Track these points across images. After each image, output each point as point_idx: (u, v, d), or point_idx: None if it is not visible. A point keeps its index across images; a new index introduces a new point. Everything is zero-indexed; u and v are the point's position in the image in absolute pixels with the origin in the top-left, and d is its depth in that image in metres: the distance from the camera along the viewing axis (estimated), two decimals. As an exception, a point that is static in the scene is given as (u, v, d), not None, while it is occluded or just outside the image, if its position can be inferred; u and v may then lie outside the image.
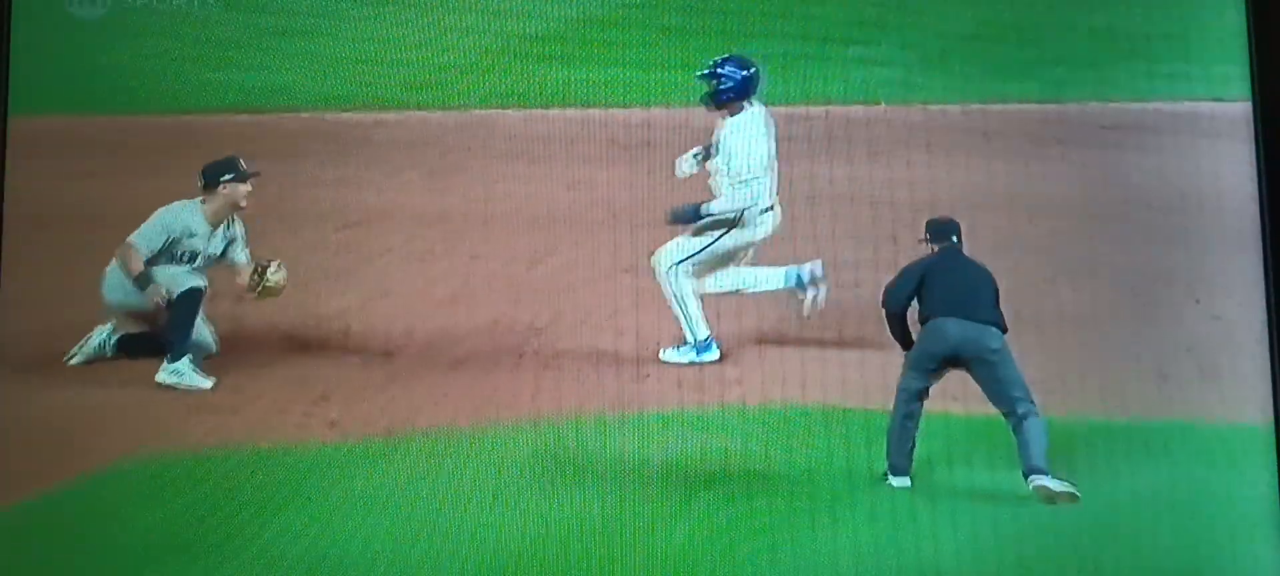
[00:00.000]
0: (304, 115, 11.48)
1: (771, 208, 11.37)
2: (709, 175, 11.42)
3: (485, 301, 11.34)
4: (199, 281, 11.08)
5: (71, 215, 11.06)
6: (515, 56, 11.60)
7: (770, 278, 11.32)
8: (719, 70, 11.39)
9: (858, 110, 11.58)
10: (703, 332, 11.27)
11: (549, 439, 10.89)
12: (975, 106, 11.56)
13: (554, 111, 11.45)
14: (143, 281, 11.02)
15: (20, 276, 10.88)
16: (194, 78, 11.23)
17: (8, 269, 10.72)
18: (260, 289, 11.14)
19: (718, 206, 11.29)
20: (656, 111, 11.50)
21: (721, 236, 11.33)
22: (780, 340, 11.20)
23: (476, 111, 11.50)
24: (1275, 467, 10.46)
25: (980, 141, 11.50)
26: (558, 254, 11.40)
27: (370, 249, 11.30)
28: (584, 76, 11.52)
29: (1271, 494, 10.37)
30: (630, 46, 11.59)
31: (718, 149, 11.42)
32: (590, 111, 11.46)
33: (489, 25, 11.58)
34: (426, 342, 11.15)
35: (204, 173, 11.16)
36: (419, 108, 11.53)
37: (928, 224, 10.88)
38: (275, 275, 11.14)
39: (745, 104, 11.44)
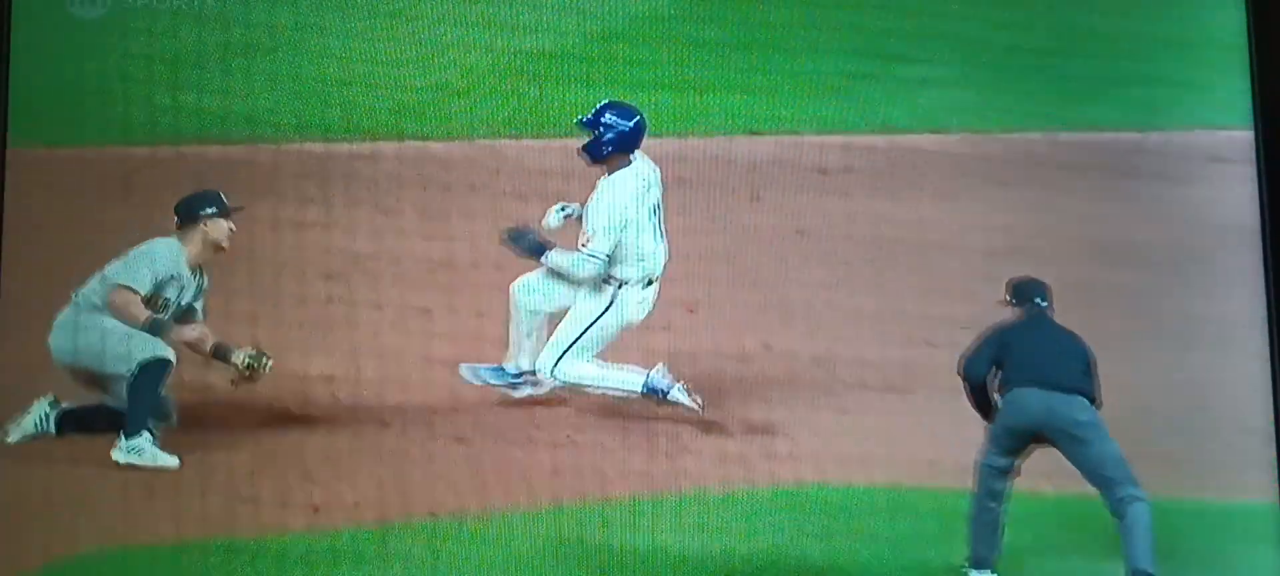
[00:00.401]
0: (278, 146, 9.97)
1: (652, 281, 9.69)
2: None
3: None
4: (169, 352, 9.40)
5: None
6: (524, 77, 10.16)
7: (626, 380, 9.69)
8: (601, 119, 9.74)
9: (927, 139, 9.98)
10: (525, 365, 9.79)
11: (571, 526, 9.51)
12: (1034, 134, 10.21)
13: (572, 141, 9.83)
14: (154, 328, 9.38)
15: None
16: (141, 104, 9.80)
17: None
18: (245, 379, 9.49)
19: (559, 260, 9.65)
20: (693, 142, 9.93)
21: (594, 322, 9.68)
22: (839, 409, 9.56)
23: (482, 141, 9.90)
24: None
25: (1054, 174, 9.90)
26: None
27: (360, 301, 9.73)
28: (599, 101, 9.87)
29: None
30: (659, 65, 10.04)
31: (590, 207, 9.84)
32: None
33: (493, 41, 10.10)
34: (426, 413, 9.57)
35: (179, 209, 9.56)
36: (415, 137, 9.91)
37: (1011, 286, 9.38)
38: (265, 368, 9.51)
39: (630, 158, 9.75)
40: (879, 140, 10.13)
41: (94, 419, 9.46)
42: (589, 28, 10.19)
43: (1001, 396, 9.35)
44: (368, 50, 10.07)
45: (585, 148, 9.78)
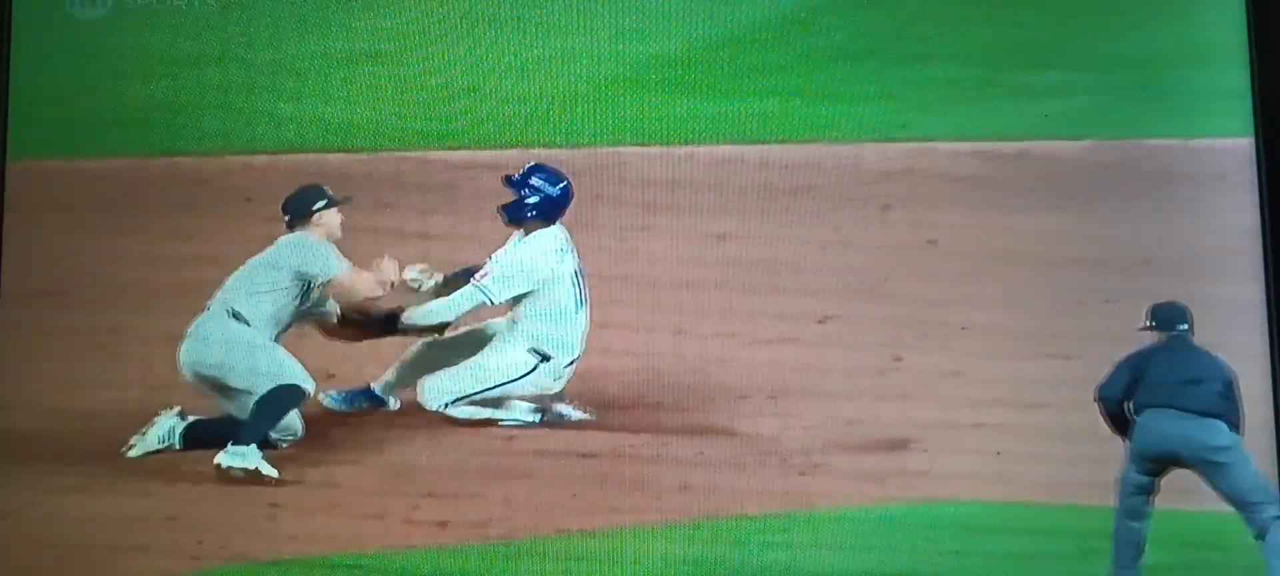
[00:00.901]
0: (385, 155, 9.81)
1: (572, 362, 9.55)
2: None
3: (619, 378, 9.60)
4: (308, 382, 9.27)
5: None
6: (646, 85, 9.87)
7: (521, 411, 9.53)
8: (528, 181, 9.55)
9: (1061, 147, 9.72)
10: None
11: (703, 545, 9.28)
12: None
13: (696, 149, 9.63)
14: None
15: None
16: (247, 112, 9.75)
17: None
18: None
19: (430, 308, 9.59)
20: (820, 149, 9.68)
21: (505, 386, 9.53)
22: (973, 424, 9.32)
23: (603, 149, 9.66)
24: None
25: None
26: (706, 320, 9.71)
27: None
28: (729, 108, 9.67)
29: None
30: (786, 71, 9.79)
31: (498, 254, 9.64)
32: (741, 149, 9.61)
33: (608, 48, 9.80)
34: (548, 428, 9.30)
35: (289, 206, 9.40)
36: (528, 145, 9.68)
37: (1152, 311, 9.10)
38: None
39: (549, 223, 9.64)
40: (1011, 147, 9.86)
41: (221, 433, 9.27)
42: (713, 33, 9.98)
43: (1137, 419, 9.07)
44: (492, 60, 9.86)
45: (505, 208, 9.58)
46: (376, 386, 9.55)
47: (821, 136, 9.88)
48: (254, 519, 9.18)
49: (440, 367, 9.47)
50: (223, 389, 9.33)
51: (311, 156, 9.76)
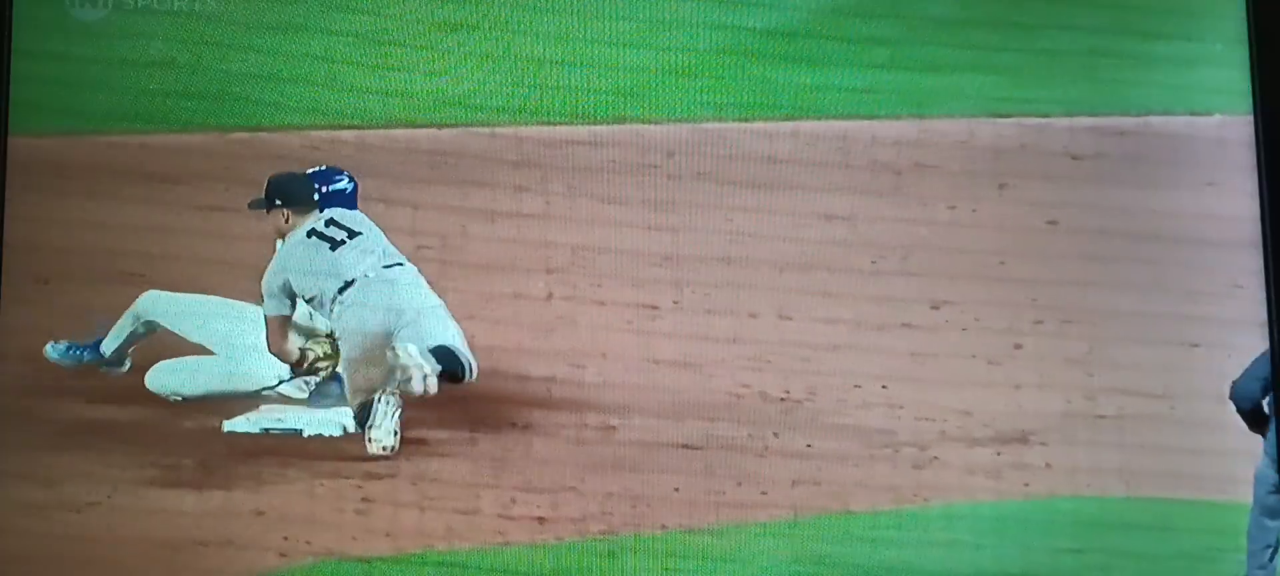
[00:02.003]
0: (492, 130, 9.37)
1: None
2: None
3: (723, 366, 9.19)
4: None
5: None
6: (750, 57, 9.50)
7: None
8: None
9: (1184, 122, 9.25)
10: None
11: (811, 541, 8.89)
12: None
13: (803, 125, 9.22)
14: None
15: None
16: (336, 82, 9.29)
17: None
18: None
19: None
20: (932, 124, 9.22)
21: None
22: (1095, 414, 8.88)
23: (709, 124, 9.22)
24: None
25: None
26: (815, 307, 9.27)
27: (581, 297, 9.02)
28: (839, 82, 9.28)
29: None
30: (895, 43, 9.33)
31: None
32: (850, 125, 9.16)
33: (717, 18, 9.40)
34: (652, 419, 8.86)
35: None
36: (632, 120, 9.25)
37: None
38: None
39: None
40: (1131, 122, 9.37)
41: None
42: (820, 3, 9.51)
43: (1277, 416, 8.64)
44: (588, 29, 9.41)
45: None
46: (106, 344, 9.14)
47: (932, 111, 9.42)
48: (343, 513, 8.81)
49: None
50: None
51: (400, 132, 9.32)
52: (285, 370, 9.19)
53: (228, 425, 8.94)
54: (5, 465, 8.80)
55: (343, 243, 9.08)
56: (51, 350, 9.11)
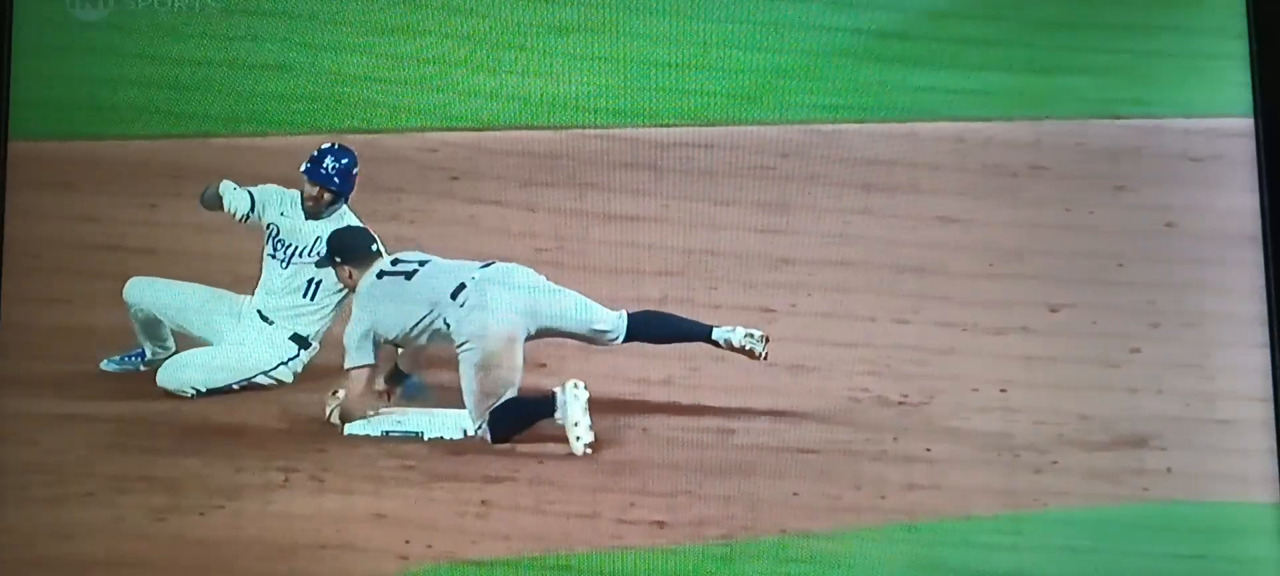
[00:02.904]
0: (589, 132, 9.40)
1: None
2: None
3: (840, 370, 9.18)
4: None
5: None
6: (863, 59, 9.46)
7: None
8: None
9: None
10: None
11: (926, 547, 8.83)
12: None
13: (918, 127, 9.18)
14: None
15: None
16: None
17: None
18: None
19: None
20: (1045, 125, 9.17)
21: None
22: (1217, 420, 8.83)
23: (823, 126, 9.19)
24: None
25: None
26: (932, 310, 9.25)
27: (697, 300, 9.01)
28: (953, 84, 9.21)
29: None
30: (1007, 44, 9.26)
31: None
32: (965, 127, 9.12)
33: (829, 20, 9.41)
34: (769, 422, 8.84)
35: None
36: (745, 122, 9.22)
37: None
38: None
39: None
40: (1244, 124, 9.29)
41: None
42: (931, 6, 9.46)
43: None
44: (701, 32, 9.39)
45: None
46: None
47: (1047, 112, 9.36)
48: (463, 517, 8.82)
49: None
50: None
51: (516, 134, 9.32)
52: (284, 353, 9.17)
53: (348, 428, 8.96)
54: (127, 470, 8.79)
55: (416, 271, 9.07)
56: (107, 363, 9.16)
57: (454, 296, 8.99)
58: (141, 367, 9.19)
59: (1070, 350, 9.06)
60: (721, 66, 9.42)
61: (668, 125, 9.43)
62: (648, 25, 9.45)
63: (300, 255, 9.19)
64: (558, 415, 8.84)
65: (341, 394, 8.95)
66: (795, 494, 8.84)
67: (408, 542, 8.72)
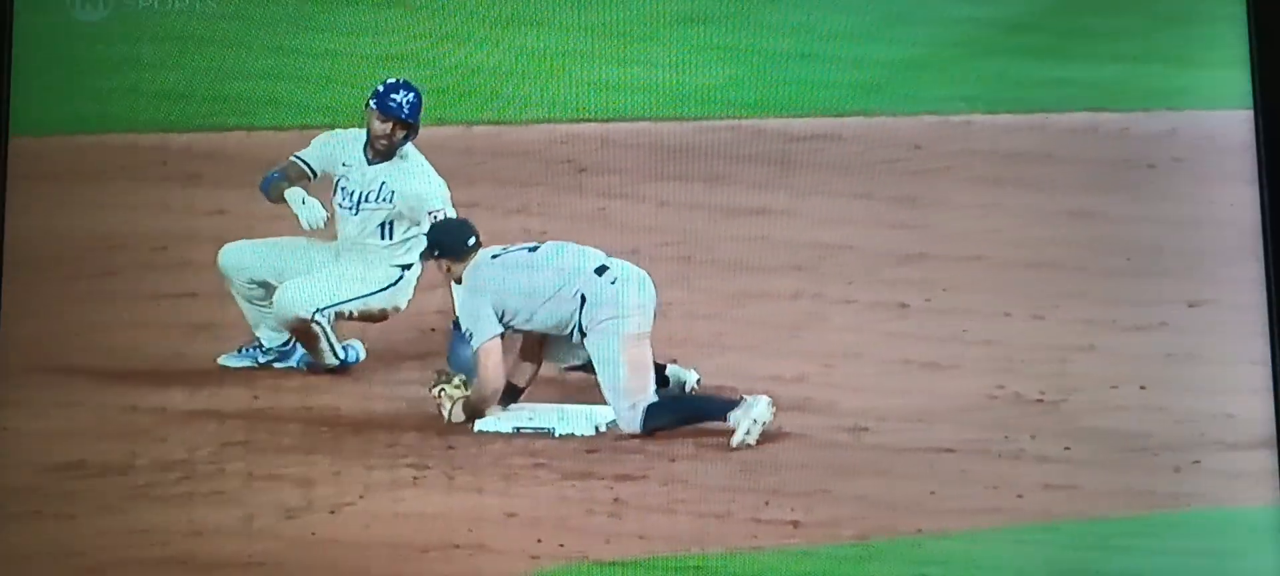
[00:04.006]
0: (716, 123, 9.28)
1: None
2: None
3: (975, 367, 8.99)
4: None
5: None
6: (987, 50, 9.36)
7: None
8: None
9: None
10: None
11: (1062, 549, 8.68)
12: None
13: (1050, 118, 9.00)
14: None
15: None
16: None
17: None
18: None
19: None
20: (1179, 116, 9.04)
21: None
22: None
23: (954, 117, 9.04)
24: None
25: None
26: (1068, 306, 9.08)
27: (830, 295, 8.88)
28: (1083, 75, 9.09)
29: None
30: (1142, 36, 9.08)
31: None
32: (1098, 118, 8.97)
33: (956, 11, 9.35)
34: (904, 421, 8.70)
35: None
36: (874, 113, 9.08)
37: None
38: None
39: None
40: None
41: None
42: (1058, -3, 9.33)
43: None
44: (829, 23, 9.25)
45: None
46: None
47: (1183, 104, 9.17)
48: (594, 516, 8.70)
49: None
50: None
51: (642, 126, 9.20)
52: (389, 277, 9.10)
53: (479, 424, 8.85)
54: (257, 468, 8.71)
55: (538, 247, 8.95)
56: (226, 359, 9.07)
57: (599, 272, 8.84)
58: (260, 360, 9.08)
59: (1212, 347, 8.89)
60: (849, 58, 9.26)
61: (795, 116, 9.27)
62: (775, 16, 9.32)
63: (367, 200, 9.08)
64: (734, 419, 8.69)
65: (448, 387, 8.82)
66: (931, 493, 8.70)
67: (539, 542, 8.61)
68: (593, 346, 8.82)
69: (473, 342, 8.86)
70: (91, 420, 8.83)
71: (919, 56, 9.33)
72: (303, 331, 9.08)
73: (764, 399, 8.73)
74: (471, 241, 8.97)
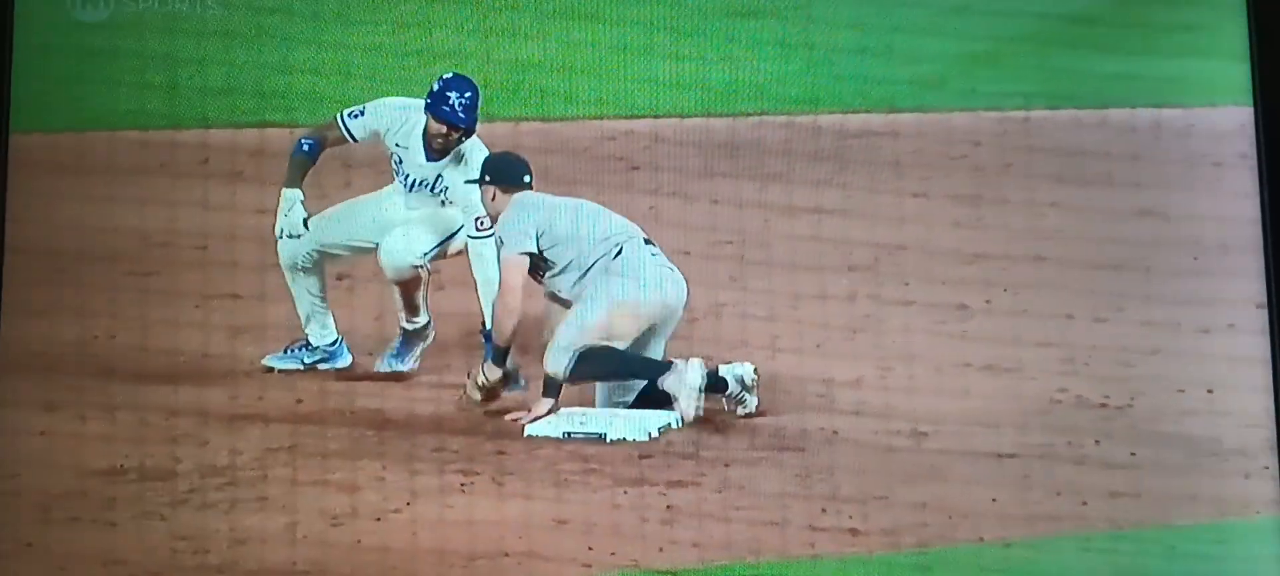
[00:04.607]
0: (771, 120, 9.02)
1: None
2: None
3: (1037, 370, 8.81)
4: None
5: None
6: (1049, 44, 9.12)
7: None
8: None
9: None
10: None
11: (1128, 557, 8.51)
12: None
13: (1111, 114, 8.80)
14: None
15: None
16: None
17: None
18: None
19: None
20: (1245, 112, 8.76)
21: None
22: None
23: (1014, 114, 8.82)
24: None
25: None
26: (1133, 308, 8.85)
27: (887, 297, 8.67)
28: (1146, 70, 8.92)
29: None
30: (1205, 30, 8.83)
31: None
32: (1162, 115, 8.77)
33: (1013, 5, 9.12)
34: (964, 426, 8.47)
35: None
36: (933, 109, 8.86)
37: None
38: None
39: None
40: None
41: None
42: (1120, -12, 9.10)
43: None
44: (886, 16, 9.02)
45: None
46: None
47: (1247, 99, 8.93)
48: (647, 523, 8.48)
49: None
50: None
51: (695, 122, 8.98)
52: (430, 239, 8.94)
53: (529, 428, 8.64)
54: (301, 473, 8.51)
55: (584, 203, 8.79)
56: (272, 360, 8.88)
57: (646, 243, 8.69)
58: (306, 362, 8.88)
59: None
60: (906, 52, 9.04)
61: (852, 112, 9.05)
62: (830, 10, 9.12)
63: (420, 187, 8.97)
64: (669, 386, 8.53)
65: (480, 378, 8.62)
66: (993, 500, 8.49)
67: (591, 549, 8.41)
68: (592, 282, 8.57)
69: (503, 249, 8.69)
70: (132, 424, 8.61)
71: (978, 50, 9.08)
72: (412, 282, 8.89)
73: (696, 362, 8.61)
74: (527, 178, 8.81)
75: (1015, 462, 8.58)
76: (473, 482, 8.54)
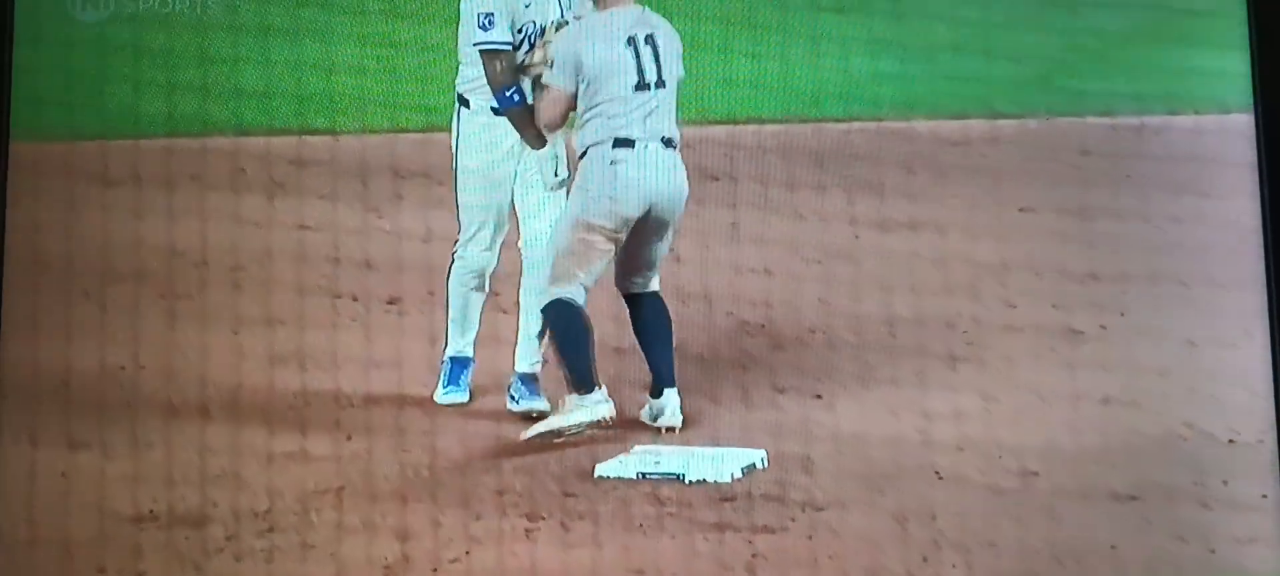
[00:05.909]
0: (880, 124, 8.50)
1: None
2: None
3: (1157, 403, 8.19)
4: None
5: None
6: (1160, 40, 8.54)
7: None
8: None
9: None
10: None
11: None
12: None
13: (1229, 119, 8.27)
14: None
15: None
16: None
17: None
18: None
19: None
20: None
21: None
22: None
23: (1122, 119, 8.34)
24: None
25: None
26: (1260, 332, 8.21)
27: (991, 321, 8.10)
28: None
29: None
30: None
31: None
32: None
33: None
34: (1079, 463, 8.07)
35: None
36: (1035, 113, 8.26)
37: None
38: None
39: None
40: None
41: None
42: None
43: None
44: (985, 12, 8.38)
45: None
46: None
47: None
48: (729, 571, 7.95)
49: None
50: None
51: (775, 128, 8.43)
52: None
53: (600, 469, 7.90)
54: (349, 517, 7.80)
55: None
56: (442, 395, 8.21)
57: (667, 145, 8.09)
58: (467, 396, 8.16)
59: None
60: (1006, 50, 8.46)
61: (947, 117, 8.39)
62: (923, 3, 8.43)
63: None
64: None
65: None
66: (1112, 548, 7.84)
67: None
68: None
69: (546, 75, 8.07)
70: (161, 462, 7.90)
71: (1083, 47, 8.41)
72: None
73: (597, 395, 8.01)
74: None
75: (1135, 505, 7.96)
76: (537, 528, 7.84)
